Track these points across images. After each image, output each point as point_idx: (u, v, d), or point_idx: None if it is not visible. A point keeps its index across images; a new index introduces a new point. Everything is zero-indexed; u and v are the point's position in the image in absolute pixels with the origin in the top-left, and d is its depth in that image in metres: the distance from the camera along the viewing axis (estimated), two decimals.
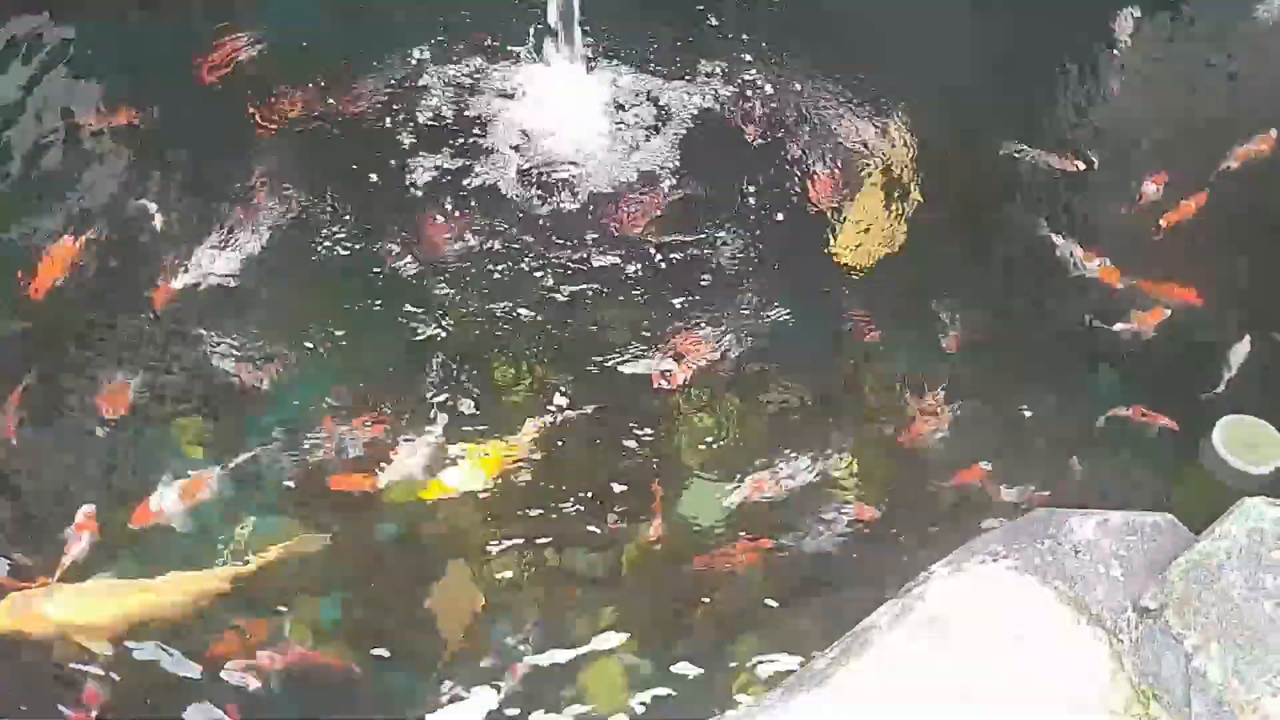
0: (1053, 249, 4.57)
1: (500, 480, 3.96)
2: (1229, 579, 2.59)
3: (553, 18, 4.85)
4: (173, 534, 3.81)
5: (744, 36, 5.21)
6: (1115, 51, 5.22)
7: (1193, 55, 5.25)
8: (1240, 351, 4.26)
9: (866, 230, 4.65)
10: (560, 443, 4.08)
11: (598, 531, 3.89)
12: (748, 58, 5.12)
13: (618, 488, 3.99)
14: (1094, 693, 2.55)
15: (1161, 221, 4.63)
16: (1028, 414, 4.18)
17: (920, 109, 5.00)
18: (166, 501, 3.81)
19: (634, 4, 5.34)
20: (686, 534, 3.90)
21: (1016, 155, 4.86)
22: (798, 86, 5.04)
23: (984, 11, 5.16)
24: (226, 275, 4.38)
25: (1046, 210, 4.74)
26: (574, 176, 4.75)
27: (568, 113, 4.93)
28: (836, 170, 4.81)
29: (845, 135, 4.92)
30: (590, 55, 5.06)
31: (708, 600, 3.75)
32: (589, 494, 3.96)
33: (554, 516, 3.92)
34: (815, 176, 4.79)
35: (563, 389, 4.20)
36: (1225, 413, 3.98)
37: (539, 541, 3.86)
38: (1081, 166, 4.85)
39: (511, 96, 4.98)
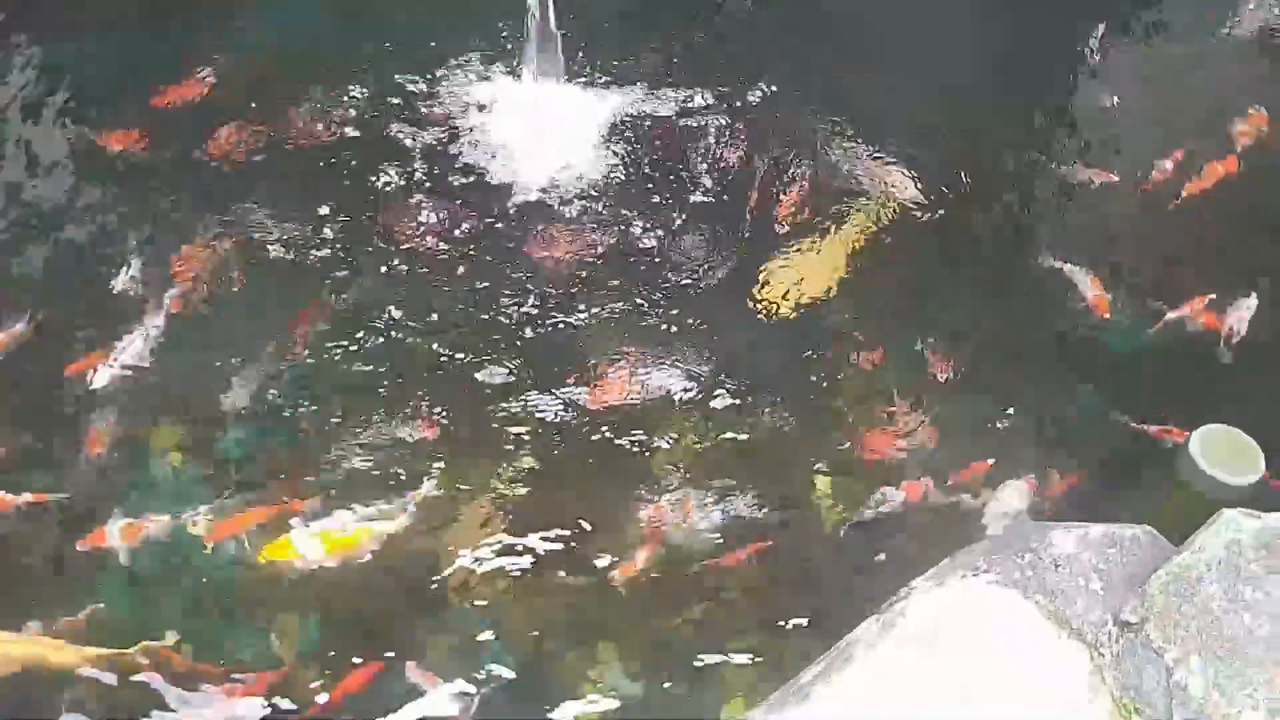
0: (1052, 264, 4.60)
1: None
2: (1208, 591, 2.60)
3: (532, 35, 4.86)
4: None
5: (731, 54, 5.24)
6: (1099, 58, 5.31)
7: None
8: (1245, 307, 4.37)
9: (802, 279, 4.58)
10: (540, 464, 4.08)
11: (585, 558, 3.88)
12: (730, 76, 5.14)
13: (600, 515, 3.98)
14: (1076, 708, 2.55)
15: (1183, 191, 4.71)
16: (1010, 424, 4.21)
17: (918, 122, 5.03)
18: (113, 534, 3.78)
19: (617, 19, 5.35)
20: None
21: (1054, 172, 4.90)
22: (780, 106, 5.06)
23: (983, 21, 5.19)
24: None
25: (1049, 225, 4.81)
26: (549, 195, 4.74)
27: (544, 129, 4.92)
28: (806, 193, 4.79)
29: (825, 162, 4.92)
30: (571, 71, 5.06)
31: (695, 619, 3.76)
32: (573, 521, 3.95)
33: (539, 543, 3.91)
34: (785, 196, 4.79)
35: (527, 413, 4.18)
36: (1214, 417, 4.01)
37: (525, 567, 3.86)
38: (1115, 178, 4.86)
39: (487, 112, 4.97)
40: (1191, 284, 4.50)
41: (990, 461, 4.08)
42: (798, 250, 4.64)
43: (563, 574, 3.83)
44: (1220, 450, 3.87)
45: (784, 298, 4.51)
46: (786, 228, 4.71)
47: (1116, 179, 4.87)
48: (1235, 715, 2.41)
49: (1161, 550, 2.81)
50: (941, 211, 4.79)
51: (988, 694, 2.60)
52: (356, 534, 3.83)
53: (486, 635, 3.68)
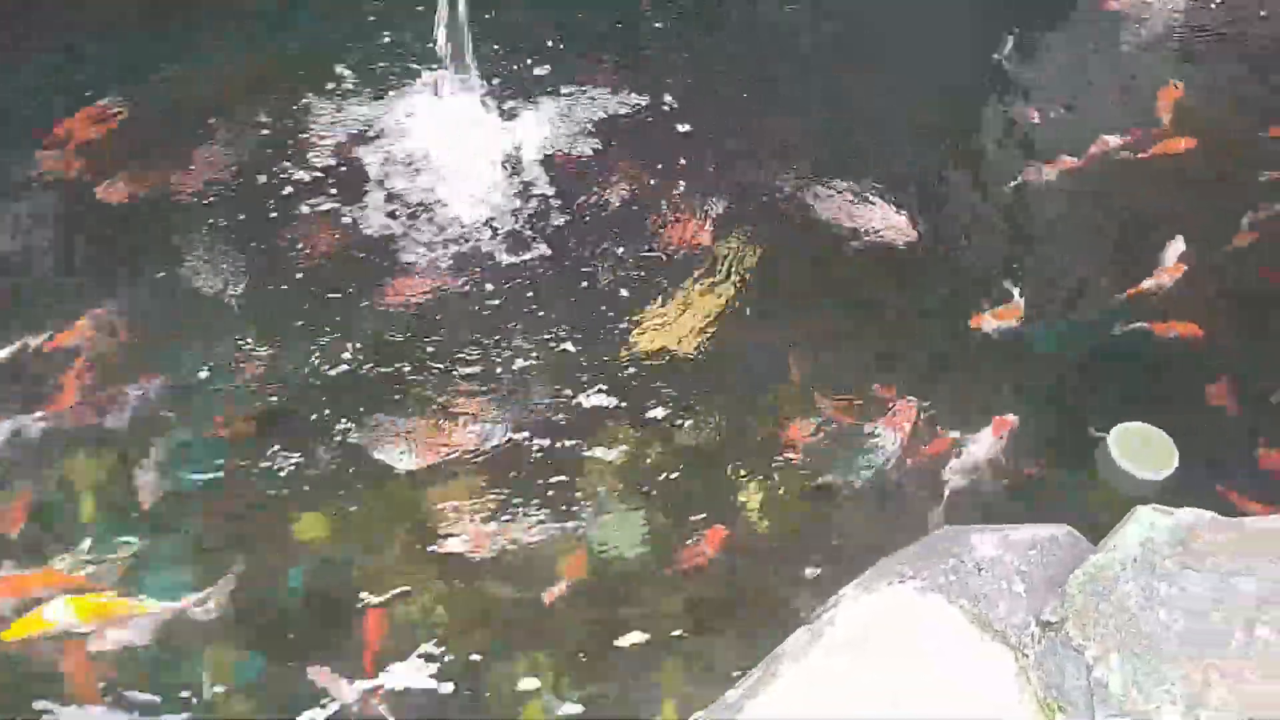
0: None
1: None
2: (1124, 589, 2.64)
3: (442, 48, 4.76)
4: None
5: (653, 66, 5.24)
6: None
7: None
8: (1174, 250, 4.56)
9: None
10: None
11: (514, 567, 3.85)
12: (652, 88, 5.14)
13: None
14: (1004, 709, 2.58)
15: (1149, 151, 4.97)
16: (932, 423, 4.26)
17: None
18: None
19: (533, 32, 5.31)
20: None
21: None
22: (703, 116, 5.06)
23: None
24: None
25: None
26: (456, 220, 4.65)
27: (455, 149, 4.82)
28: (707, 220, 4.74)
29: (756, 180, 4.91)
30: (485, 89, 5.00)
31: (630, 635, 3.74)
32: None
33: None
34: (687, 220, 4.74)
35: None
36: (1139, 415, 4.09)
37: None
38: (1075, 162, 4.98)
39: (400, 134, 4.88)
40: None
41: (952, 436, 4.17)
42: (719, 276, 4.62)
43: (490, 583, 3.81)
44: (1137, 445, 3.96)
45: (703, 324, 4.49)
46: (709, 251, 4.68)
47: (1053, 175, 4.99)
48: (1154, 711, 2.45)
49: (1082, 550, 2.84)
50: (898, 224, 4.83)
51: (917, 698, 2.62)
52: (124, 603, 3.63)
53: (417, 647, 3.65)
